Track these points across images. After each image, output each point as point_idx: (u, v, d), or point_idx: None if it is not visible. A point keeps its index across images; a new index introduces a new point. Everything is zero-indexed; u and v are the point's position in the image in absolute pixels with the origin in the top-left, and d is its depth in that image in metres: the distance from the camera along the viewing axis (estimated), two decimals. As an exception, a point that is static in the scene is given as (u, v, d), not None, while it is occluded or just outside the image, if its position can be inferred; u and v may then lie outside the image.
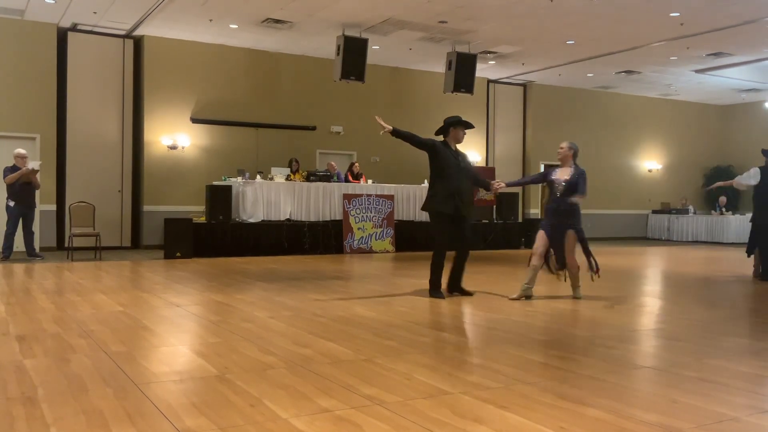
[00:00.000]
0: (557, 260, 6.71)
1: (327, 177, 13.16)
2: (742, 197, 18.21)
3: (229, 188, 12.20)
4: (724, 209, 18.07)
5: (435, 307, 6.27)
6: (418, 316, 5.77)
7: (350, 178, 13.69)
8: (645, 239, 18.89)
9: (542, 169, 17.96)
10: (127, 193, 13.29)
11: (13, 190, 10.62)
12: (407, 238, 13.22)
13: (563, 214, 6.56)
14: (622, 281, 8.82)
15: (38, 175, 10.91)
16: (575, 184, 6.52)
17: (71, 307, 6.01)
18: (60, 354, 4.20)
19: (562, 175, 6.62)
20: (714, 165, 20.00)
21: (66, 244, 11.80)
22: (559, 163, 6.78)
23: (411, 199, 13.81)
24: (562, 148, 6.75)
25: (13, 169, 10.64)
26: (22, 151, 10.82)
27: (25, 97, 12.10)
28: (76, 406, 3.11)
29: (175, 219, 11.55)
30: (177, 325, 5.38)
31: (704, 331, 5.21)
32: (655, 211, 19.19)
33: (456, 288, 6.91)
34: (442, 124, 6.94)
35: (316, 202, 12.86)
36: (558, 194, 6.58)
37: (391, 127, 6.58)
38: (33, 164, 10.81)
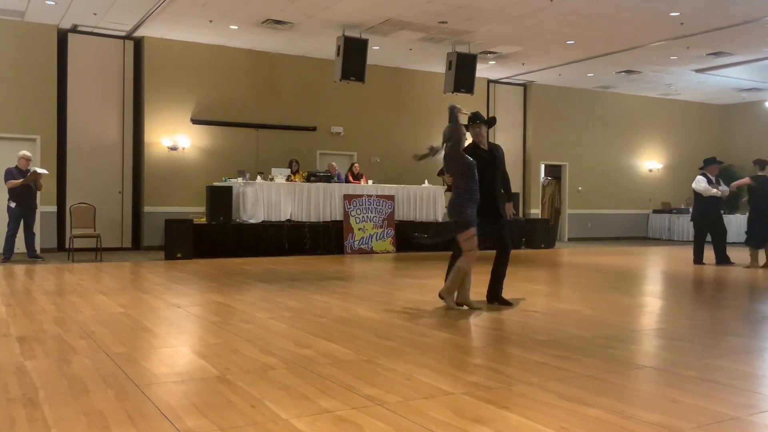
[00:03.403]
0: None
1: (327, 178, 13.16)
2: (732, 197, 18.23)
3: (229, 189, 12.20)
4: None
5: (435, 307, 6.27)
6: (418, 316, 5.77)
7: (351, 179, 13.69)
8: (645, 239, 18.87)
9: (543, 170, 17.97)
10: (127, 194, 13.28)
11: (14, 192, 10.63)
12: (408, 238, 13.20)
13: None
14: (622, 281, 8.81)
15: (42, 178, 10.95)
16: None
17: (72, 309, 6.01)
18: (61, 355, 4.21)
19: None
20: (714, 165, 19.99)
21: (66, 246, 11.80)
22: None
23: (411, 199, 13.79)
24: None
25: (16, 169, 10.66)
26: (27, 153, 10.81)
27: (26, 98, 12.09)
28: (77, 407, 3.11)
29: (175, 220, 11.54)
30: (177, 326, 5.38)
31: (705, 331, 5.21)
32: (655, 211, 19.17)
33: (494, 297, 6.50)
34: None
35: (316, 203, 12.86)
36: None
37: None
38: (41, 170, 10.84)
